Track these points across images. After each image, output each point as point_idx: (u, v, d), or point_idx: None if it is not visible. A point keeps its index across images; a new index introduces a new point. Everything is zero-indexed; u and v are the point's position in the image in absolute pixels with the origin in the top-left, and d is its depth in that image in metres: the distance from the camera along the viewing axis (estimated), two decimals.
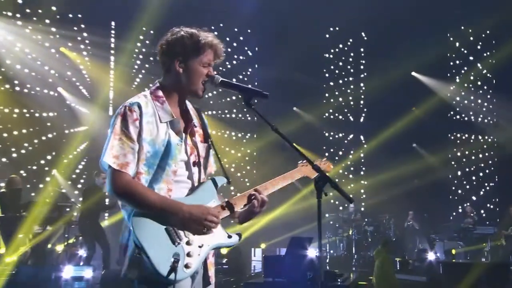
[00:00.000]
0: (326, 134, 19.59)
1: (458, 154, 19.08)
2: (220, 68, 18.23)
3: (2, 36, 14.65)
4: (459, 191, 19.12)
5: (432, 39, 17.38)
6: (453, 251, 14.76)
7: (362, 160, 20.15)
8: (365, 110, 19.78)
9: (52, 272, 8.74)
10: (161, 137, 2.93)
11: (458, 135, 19.30)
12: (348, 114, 19.83)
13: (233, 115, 18.22)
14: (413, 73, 18.84)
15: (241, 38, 18.78)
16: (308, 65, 18.41)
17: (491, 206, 18.12)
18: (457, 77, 19.22)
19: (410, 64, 17.90)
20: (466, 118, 19.03)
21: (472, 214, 16.07)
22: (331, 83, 19.79)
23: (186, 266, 2.80)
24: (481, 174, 19.28)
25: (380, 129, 17.48)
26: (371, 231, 16.00)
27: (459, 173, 19.23)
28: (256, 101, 3.20)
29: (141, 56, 16.53)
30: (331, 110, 19.63)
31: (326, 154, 19.46)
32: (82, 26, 16.17)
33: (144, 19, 14.47)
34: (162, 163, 2.93)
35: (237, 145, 18.03)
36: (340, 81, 19.92)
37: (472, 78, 19.18)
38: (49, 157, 15.18)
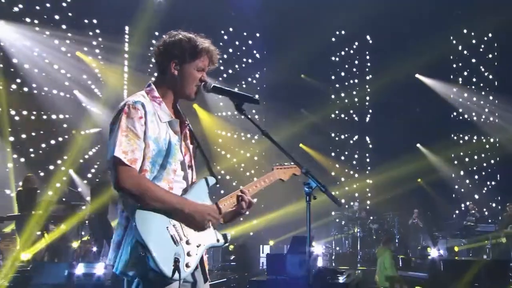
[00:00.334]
0: (332, 135, 19.52)
1: (461, 153, 18.95)
2: (230, 72, 18.37)
3: (20, 41, 14.74)
4: (462, 190, 19.01)
5: (435, 42, 17.28)
6: (456, 248, 14.68)
7: (368, 160, 20.11)
8: (370, 111, 19.69)
9: (65, 268, 8.74)
10: (162, 136, 2.92)
11: (461, 135, 19.17)
12: (354, 115, 19.75)
13: (242, 117, 18.18)
14: (417, 75, 18.74)
15: (250, 42, 18.80)
16: (315, 68, 18.45)
17: (493, 205, 17.99)
18: (460, 79, 19.11)
19: (414, 67, 17.87)
20: (468, 119, 18.89)
21: (473, 211, 15.96)
22: (337, 85, 19.76)
23: (187, 265, 2.81)
24: (483, 173, 19.17)
25: (385, 130, 17.41)
26: (376, 229, 15.94)
27: (461, 172, 19.12)
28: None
29: (153, 60, 16.53)
30: (337, 111, 19.61)
31: (333, 154, 19.52)
32: (97, 31, 16.25)
33: (156, 24, 14.46)
34: (164, 162, 2.91)
35: (246, 145, 18.06)
36: (346, 83, 19.88)
37: (474, 80, 19.12)
38: (65, 157, 15.26)
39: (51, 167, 15.02)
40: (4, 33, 14.32)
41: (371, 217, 16.74)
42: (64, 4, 15.41)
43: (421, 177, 18.51)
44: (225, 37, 18.44)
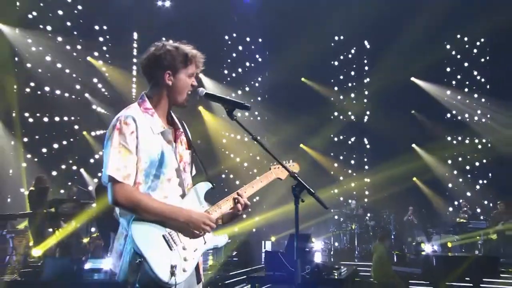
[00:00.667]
0: (331, 136, 19.49)
1: (454, 153, 18.89)
2: (233, 75, 18.40)
3: (34, 47, 14.80)
4: (455, 188, 18.95)
5: (430, 47, 17.26)
6: (449, 244, 14.60)
7: (365, 160, 20.12)
8: (367, 113, 19.65)
9: (74, 264, 8.73)
10: (155, 147, 2.88)
11: (454, 136, 19.11)
12: (352, 117, 19.71)
13: (245, 118, 18.22)
14: (413, 78, 18.70)
15: (253, 47, 18.83)
16: (315, 71, 18.50)
17: (485, 202, 17.92)
18: (453, 82, 19.07)
19: (410, 70, 17.87)
20: (462, 121, 18.85)
21: (466, 209, 15.90)
22: (336, 88, 19.73)
23: (183, 270, 2.81)
24: (475, 172, 19.10)
25: (382, 131, 17.38)
26: (373, 226, 15.90)
27: (455, 171, 19.06)
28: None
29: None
30: (336, 113, 19.60)
31: (332, 154, 19.50)
32: (108, 37, 16.28)
33: (163, 30, 14.47)
34: (157, 172, 2.88)
35: (249, 145, 18.03)
36: (345, 86, 19.88)
37: (467, 83, 19.08)
38: (76, 157, 15.31)
39: (63, 167, 15.07)
40: (19, 40, 14.37)
41: (368, 214, 16.73)
42: (76, 11, 15.46)
43: (416, 176, 18.51)
44: (229, 42, 18.50)
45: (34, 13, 14.65)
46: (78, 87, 15.82)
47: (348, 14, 15.98)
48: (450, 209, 18.34)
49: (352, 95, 19.68)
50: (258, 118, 19.03)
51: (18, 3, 13.79)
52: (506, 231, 13.82)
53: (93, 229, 11.26)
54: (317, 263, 7.27)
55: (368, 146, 20.12)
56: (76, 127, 15.89)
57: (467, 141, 19.04)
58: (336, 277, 6.88)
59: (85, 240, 11.31)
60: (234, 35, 18.48)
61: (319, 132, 18.45)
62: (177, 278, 2.74)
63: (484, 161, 18.70)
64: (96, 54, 16.10)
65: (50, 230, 10.58)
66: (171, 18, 16.13)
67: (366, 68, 19.88)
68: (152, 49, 3.02)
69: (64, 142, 15.49)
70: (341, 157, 19.95)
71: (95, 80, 16.16)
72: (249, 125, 18.06)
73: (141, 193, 2.82)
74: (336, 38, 19.10)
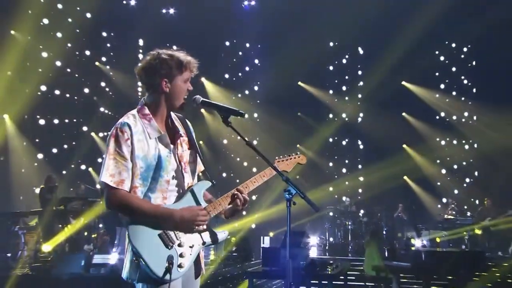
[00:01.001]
0: (327, 136, 19.47)
1: (443, 153, 18.91)
2: (234, 79, 18.39)
3: (45, 52, 14.79)
4: (443, 186, 18.94)
5: (420, 53, 17.23)
6: (438, 239, 14.57)
7: (359, 159, 20.13)
8: (361, 115, 19.63)
9: (82, 258, 8.71)
10: (151, 152, 2.90)
11: (443, 137, 19.11)
12: (346, 119, 19.68)
13: (245, 120, 18.21)
14: (404, 82, 18.69)
15: (252, 52, 18.82)
16: (311, 75, 18.53)
17: (471, 199, 17.91)
18: (442, 86, 19.07)
19: (401, 75, 17.88)
20: (450, 122, 18.87)
21: (453, 205, 15.90)
22: (331, 91, 19.71)
23: (180, 266, 2.82)
24: (462, 171, 19.10)
25: (374, 132, 17.39)
26: (365, 222, 15.90)
27: (443, 170, 19.05)
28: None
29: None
30: (331, 115, 19.60)
31: (327, 153, 19.49)
32: (115, 43, 16.27)
33: (167, 37, 14.45)
34: (155, 175, 2.90)
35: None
36: (339, 90, 19.85)
37: (455, 86, 19.08)
38: (85, 157, 15.30)
39: (72, 166, 15.07)
40: (31, 46, 14.36)
41: (362, 211, 16.75)
42: (84, 20, 15.44)
43: (407, 175, 18.56)
44: (230, 47, 18.51)
45: (46, 21, 14.62)
46: (86, 90, 15.81)
47: (343, 22, 15.96)
48: (439, 206, 18.32)
49: (346, 98, 19.64)
50: (258, 120, 19.04)
51: (30, 11, 13.75)
52: (491, 226, 13.86)
53: (100, 225, 11.27)
54: (312, 258, 7.25)
55: (361, 147, 20.15)
56: (84, 128, 15.89)
57: (454, 142, 19.06)
58: (330, 272, 6.86)
59: (93, 235, 11.31)
60: (235, 40, 18.46)
61: (315, 134, 18.45)
62: (173, 275, 2.76)
63: (471, 160, 18.71)
64: (104, 59, 16.10)
65: (60, 226, 10.57)
66: (175, 25, 16.14)
67: (360, 72, 19.83)
68: (148, 58, 3.02)
69: (73, 143, 15.49)
70: (336, 157, 19.99)
71: (102, 84, 16.16)
72: (249, 127, 18.09)
73: (135, 197, 2.84)
74: (331, 44, 19.08)
